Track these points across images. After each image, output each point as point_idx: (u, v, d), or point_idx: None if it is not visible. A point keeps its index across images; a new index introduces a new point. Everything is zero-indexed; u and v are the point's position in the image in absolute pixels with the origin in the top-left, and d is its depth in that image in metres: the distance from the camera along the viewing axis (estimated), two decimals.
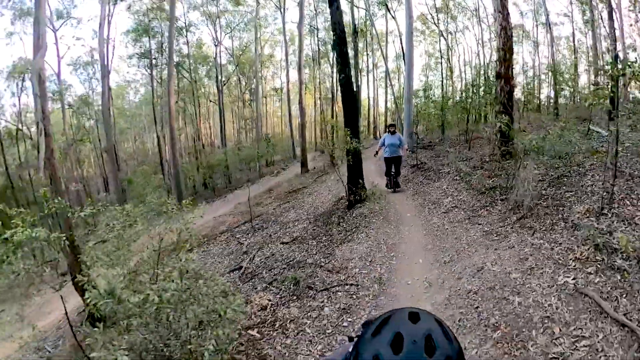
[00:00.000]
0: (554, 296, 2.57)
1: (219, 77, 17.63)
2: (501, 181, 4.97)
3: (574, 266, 2.87)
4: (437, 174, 6.65)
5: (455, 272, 3.25)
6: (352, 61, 9.97)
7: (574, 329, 2.27)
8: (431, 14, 20.50)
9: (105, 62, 13.78)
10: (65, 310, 3.34)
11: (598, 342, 2.17)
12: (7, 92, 17.05)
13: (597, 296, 2.49)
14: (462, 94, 10.22)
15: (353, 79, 8.83)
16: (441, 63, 21.69)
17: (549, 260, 3.00)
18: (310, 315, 2.93)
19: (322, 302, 3.09)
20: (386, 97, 25.60)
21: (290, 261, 4.20)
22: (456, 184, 5.68)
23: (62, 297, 3.44)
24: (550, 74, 11.24)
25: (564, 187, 4.41)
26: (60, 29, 14.29)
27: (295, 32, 17.67)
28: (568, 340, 2.21)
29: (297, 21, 13.39)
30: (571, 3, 16.77)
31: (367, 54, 23.77)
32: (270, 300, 3.41)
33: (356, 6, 17.97)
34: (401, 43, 17.01)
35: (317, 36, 20.56)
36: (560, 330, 2.29)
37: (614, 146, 4.09)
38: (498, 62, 6.28)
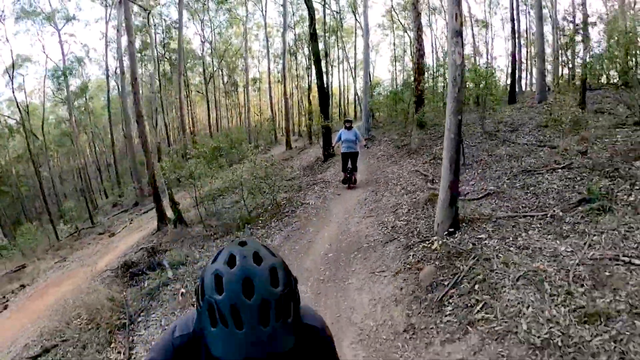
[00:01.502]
0: (406, 172, 6.94)
1: (206, 71, 21.05)
2: (408, 141, 9.44)
3: (420, 165, 7.26)
4: (379, 142, 11.07)
5: (373, 174, 7.60)
6: (326, 58, 14.10)
7: (409, 178, 6.62)
8: (395, 11, 24.91)
9: (107, 59, 16.92)
10: (197, 198, 7.32)
11: (415, 179, 6.51)
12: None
13: (422, 170, 6.88)
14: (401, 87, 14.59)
15: (324, 74, 12.97)
16: (396, 57, 26.37)
17: (411, 165, 7.40)
18: (311, 190, 7.15)
19: (315, 187, 7.32)
20: (355, 86, 30.07)
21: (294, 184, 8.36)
22: (387, 145, 10.12)
23: (193, 189, 7.38)
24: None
25: (438, 141, 8.90)
26: (63, 28, 16.99)
27: (269, 24, 21.53)
28: (405, 180, 6.55)
29: (272, 17, 17.26)
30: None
31: (338, 47, 28.03)
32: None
33: (328, 7, 22.14)
34: (364, 18, 21.32)
35: (294, 32, 24.40)
36: (404, 178, 6.64)
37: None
38: (414, 71, 10.72)
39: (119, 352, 3.74)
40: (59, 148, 20.83)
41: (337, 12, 21.81)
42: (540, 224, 3.83)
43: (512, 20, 14.81)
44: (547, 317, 2.45)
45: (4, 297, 8.56)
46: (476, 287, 2.96)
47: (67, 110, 18.13)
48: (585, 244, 3.15)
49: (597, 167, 4.67)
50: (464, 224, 4.19)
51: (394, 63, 30.59)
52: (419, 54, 10.59)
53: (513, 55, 14.19)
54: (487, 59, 25.28)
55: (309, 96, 18.95)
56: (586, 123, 6.99)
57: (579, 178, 4.62)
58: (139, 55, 18.44)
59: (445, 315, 2.85)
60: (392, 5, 23.97)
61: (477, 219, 4.27)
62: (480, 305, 2.78)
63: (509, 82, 15.59)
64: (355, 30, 27.22)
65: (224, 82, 24.69)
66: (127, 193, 16.48)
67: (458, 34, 3.65)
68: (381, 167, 8.07)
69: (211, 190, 7.92)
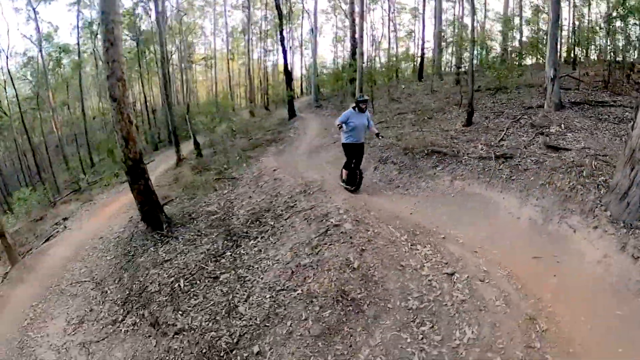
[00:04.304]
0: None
1: (164, 50, 24.73)
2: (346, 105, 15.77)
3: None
4: (327, 108, 17.24)
5: (322, 124, 13.74)
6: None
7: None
8: None
9: (79, 37, 20.22)
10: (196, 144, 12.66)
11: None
12: None
13: None
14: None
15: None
16: (337, 38, 32.52)
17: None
18: (288, 132, 13.03)
19: (290, 131, 13.19)
20: (302, 64, 35.61)
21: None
22: (332, 110, 16.36)
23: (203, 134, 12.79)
24: None
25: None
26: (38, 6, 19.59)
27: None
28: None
29: None
30: None
31: (288, 28, 33.11)
32: None
33: None
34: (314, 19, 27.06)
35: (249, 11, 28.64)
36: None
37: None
38: (350, 57, 16.92)
39: (225, 187, 9.16)
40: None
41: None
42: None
43: (423, 18, 21.84)
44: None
45: (60, 222, 12.35)
46: None
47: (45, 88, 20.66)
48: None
49: (425, 112, 11.21)
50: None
51: (335, 44, 36.86)
52: (354, 42, 16.84)
53: (422, 45, 21.21)
54: (415, 43, 32.60)
55: (265, 74, 24.08)
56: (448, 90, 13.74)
57: (415, 117, 11.14)
58: None
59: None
60: None
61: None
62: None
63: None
64: (303, 13, 32.69)
65: (180, 61, 28.34)
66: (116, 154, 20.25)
67: (362, 54, 9.83)
68: (328, 121, 14.21)
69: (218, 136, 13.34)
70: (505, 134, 7.14)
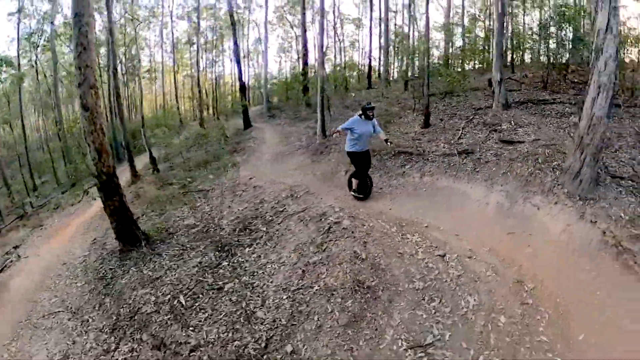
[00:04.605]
0: (300, 129, 13.51)
1: (110, 64, 23.20)
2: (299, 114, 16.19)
3: (308, 124, 13.92)
4: (279, 117, 17.49)
5: (280, 133, 14.00)
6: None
7: (302, 131, 13.15)
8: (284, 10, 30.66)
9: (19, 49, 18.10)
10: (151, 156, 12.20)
11: (306, 130, 13.10)
12: None
13: (310, 126, 13.58)
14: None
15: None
16: (284, 49, 33.00)
17: (303, 125, 14.04)
18: (247, 142, 13.06)
19: (249, 140, 13.22)
20: (247, 74, 35.34)
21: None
22: (285, 119, 16.66)
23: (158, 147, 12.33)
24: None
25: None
26: None
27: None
28: (299, 132, 13.06)
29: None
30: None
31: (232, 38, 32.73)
32: None
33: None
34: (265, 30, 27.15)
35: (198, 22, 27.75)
36: (299, 131, 13.16)
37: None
38: (302, 68, 17.40)
39: (196, 200, 8.99)
40: None
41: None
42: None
43: (371, 27, 23.06)
44: None
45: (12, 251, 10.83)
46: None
47: None
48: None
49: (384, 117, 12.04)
50: (328, 135, 10.99)
51: (280, 54, 37.25)
52: (305, 51, 17.36)
53: (369, 54, 22.49)
54: (359, 53, 33.94)
55: (214, 85, 23.64)
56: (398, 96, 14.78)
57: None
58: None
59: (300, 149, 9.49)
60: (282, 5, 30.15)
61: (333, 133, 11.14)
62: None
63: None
64: (249, 24, 32.60)
65: (123, 74, 26.72)
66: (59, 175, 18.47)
67: (322, 64, 10.29)
68: (285, 129, 14.53)
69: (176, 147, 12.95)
70: (462, 133, 8.03)
